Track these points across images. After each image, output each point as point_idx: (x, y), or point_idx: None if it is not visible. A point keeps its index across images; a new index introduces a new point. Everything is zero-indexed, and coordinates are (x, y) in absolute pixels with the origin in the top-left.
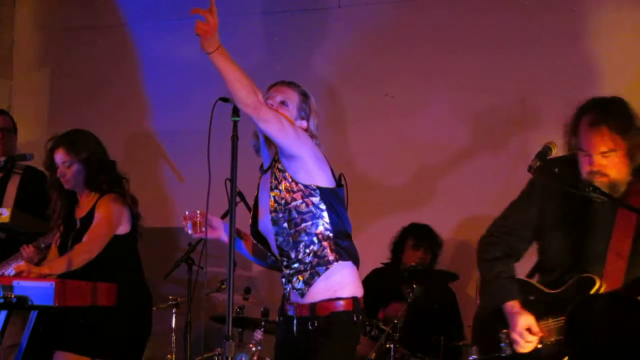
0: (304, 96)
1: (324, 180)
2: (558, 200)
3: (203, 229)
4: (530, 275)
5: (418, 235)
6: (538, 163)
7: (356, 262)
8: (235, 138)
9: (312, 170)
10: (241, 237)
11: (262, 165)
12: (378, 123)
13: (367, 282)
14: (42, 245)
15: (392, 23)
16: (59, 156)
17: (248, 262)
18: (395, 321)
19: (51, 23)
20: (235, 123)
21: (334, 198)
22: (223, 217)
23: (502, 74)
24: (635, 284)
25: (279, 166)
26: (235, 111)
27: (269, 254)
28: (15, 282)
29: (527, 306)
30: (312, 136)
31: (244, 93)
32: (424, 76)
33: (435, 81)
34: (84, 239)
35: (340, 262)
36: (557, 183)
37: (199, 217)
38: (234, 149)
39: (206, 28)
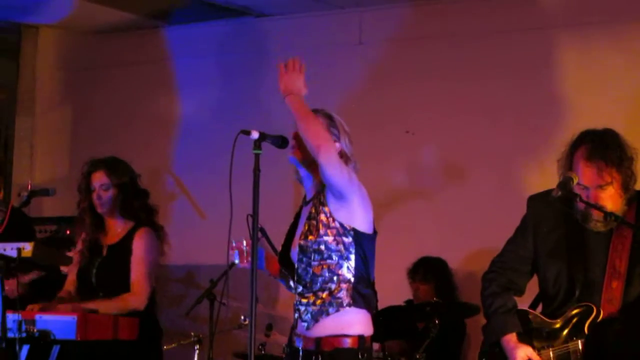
0: (329, 119)
1: (364, 225)
2: (551, 230)
3: (250, 258)
4: (534, 304)
5: (421, 270)
6: (559, 193)
7: (371, 310)
8: (257, 171)
9: (354, 212)
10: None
11: (305, 197)
12: (398, 159)
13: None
14: (27, 280)
15: (412, 59)
16: (98, 178)
17: (270, 298)
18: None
19: (73, 62)
20: (257, 156)
21: (367, 243)
22: None
23: (520, 107)
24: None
25: (322, 199)
26: (257, 144)
27: (290, 280)
28: (37, 316)
29: (529, 336)
30: (348, 158)
31: (316, 139)
32: (446, 112)
33: (456, 116)
34: (135, 284)
35: (353, 307)
36: (557, 204)
37: (247, 247)
38: (256, 182)
39: (289, 64)
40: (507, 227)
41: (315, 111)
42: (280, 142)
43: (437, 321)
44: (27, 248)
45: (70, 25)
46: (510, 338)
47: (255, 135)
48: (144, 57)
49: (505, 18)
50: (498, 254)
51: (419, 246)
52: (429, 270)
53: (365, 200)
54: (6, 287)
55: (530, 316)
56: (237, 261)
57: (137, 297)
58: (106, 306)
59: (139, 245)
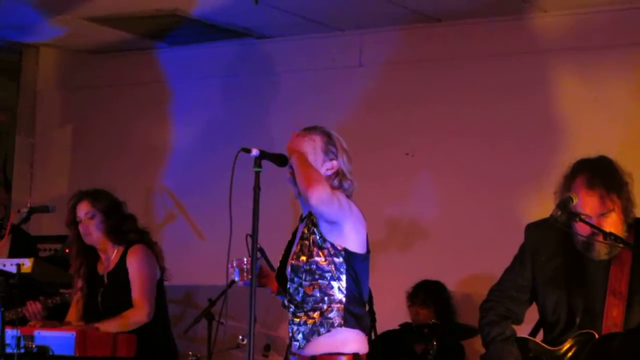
0: (327, 136)
1: (356, 245)
2: (549, 258)
3: (250, 276)
4: (534, 332)
5: (420, 293)
6: (559, 213)
7: (365, 329)
8: (257, 189)
9: (346, 234)
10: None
11: (301, 215)
12: (397, 181)
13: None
14: (50, 304)
15: (413, 82)
16: (82, 208)
17: (268, 318)
18: None
19: (73, 81)
20: (257, 174)
21: (358, 264)
22: None
23: (519, 131)
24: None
25: (314, 220)
26: (257, 162)
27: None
28: (36, 332)
29: None
30: (344, 176)
31: (308, 183)
32: (445, 135)
33: (455, 139)
34: (135, 299)
35: (344, 327)
36: (556, 226)
37: (247, 265)
38: (256, 200)
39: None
40: (505, 250)
41: (314, 128)
42: (280, 160)
43: (435, 343)
44: (27, 264)
45: (71, 45)
46: None
47: (255, 153)
48: (145, 77)
49: (504, 41)
50: (496, 282)
51: (417, 269)
52: (429, 294)
53: (358, 221)
54: (30, 309)
55: (530, 344)
56: (237, 279)
57: (137, 311)
58: (107, 325)
59: (133, 262)
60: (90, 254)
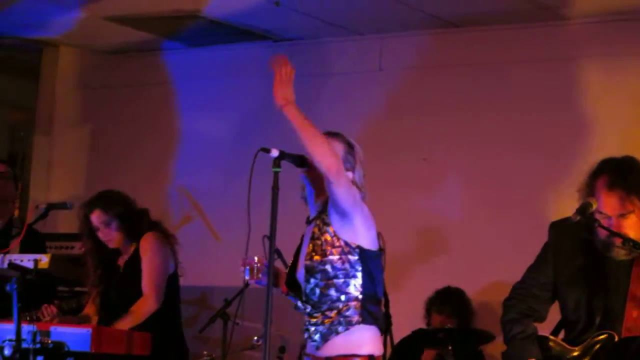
0: (349, 147)
1: (368, 242)
2: (571, 257)
3: (260, 275)
4: (556, 331)
5: (439, 300)
6: (578, 217)
7: (380, 327)
8: (275, 189)
9: (358, 230)
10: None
11: (308, 217)
12: (415, 187)
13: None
14: (65, 307)
15: (432, 87)
16: (96, 218)
17: (284, 320)
18: None
19: (92, 81)
20: (276, 174)
21: (372, 261)
22: None
23: (541, 137)
24: None
25: (325, 219)
26: (277, 162)
27: (297, 301)
28: (52, 328)
29: None
30: (358, 188)
31: (321, 150)
32: (464, 140)
33: (475, 144)
34: (143, 287)
35: (362, 325)
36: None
37: (258, 264)
38: (274, 200)
39: (279, 78)
40: (525, 258)
41: (337, 135)
42: (300, 161)
43: (450, 348)
44: (44, 260)
45: (91, 45)
46: None
47: (275, 153)
48: (163, 78)
49: (527, 47)
50: (519, 280)
51: (436, 275)
52: (448, 301)
53: (367, 218)
54: (46, 313)
55: (551, 343)
56: (247, 277)
57: (145, 300)
58: (120, 325)
59: (144, 249)
60: (110, 256)
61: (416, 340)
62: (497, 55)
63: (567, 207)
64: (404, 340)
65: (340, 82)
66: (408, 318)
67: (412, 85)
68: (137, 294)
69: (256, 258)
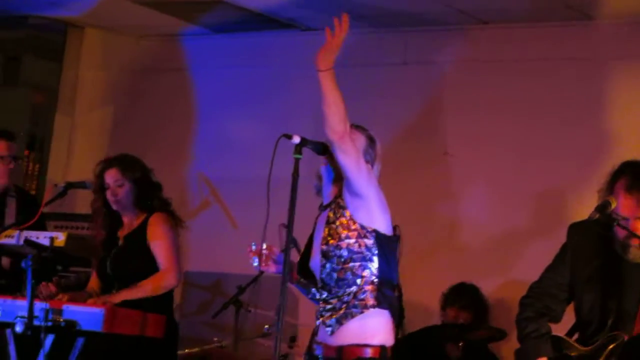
0: (371, 140)
1: (383, 225)
2: (589, 259)
3: (270, 262)
4: (571, 332)
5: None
6: (597, 215)
7: (394, 313)
8: (296, 175)
9: (373, 212)
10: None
11: (321, 204)
12: (436, 181)
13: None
14: (63, 284)
15: (457, 82)
16: (111, 176)
17: (296, 310)
18: None
19: (116, 64)
20: (297, 160)
21: (387, 246)
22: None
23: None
24: None
25: (341, 202)
26: (298, 149)
27: (312, 289)
28: (64, 306)
29: None
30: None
31: (336, 119)
32: (486, 136)
33: (496, 143)
34: (163, 264)
35: (377, 309)
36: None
37: (266, 251)
38: (294, 186)
39: (333, 41)
40: (541, 257)
41: (362, 128)
42: (322, 148)
43: (461, 344)
44: (60, 238)
45: (116, 27)
46: None
47: (296, 139)
48: (186, 63)
49: (554, 46)
50: (536, 279)
51: (452, 271)
52: (464, 296)
53: (382, 202)
54: (44, 291)
55: (564, 343)
56: (255, 264)
57: (167, 274)
58: (136, 292)
59: (156, 230)
60: (113, 219)
61: (431, 334)
62: (524, 52)
63: (586, 207)
64: (417, 334)
65: (364, 74)
66: (421, 313)
67: (436, 79)
68: (133, 271)
69: (264, 245)
